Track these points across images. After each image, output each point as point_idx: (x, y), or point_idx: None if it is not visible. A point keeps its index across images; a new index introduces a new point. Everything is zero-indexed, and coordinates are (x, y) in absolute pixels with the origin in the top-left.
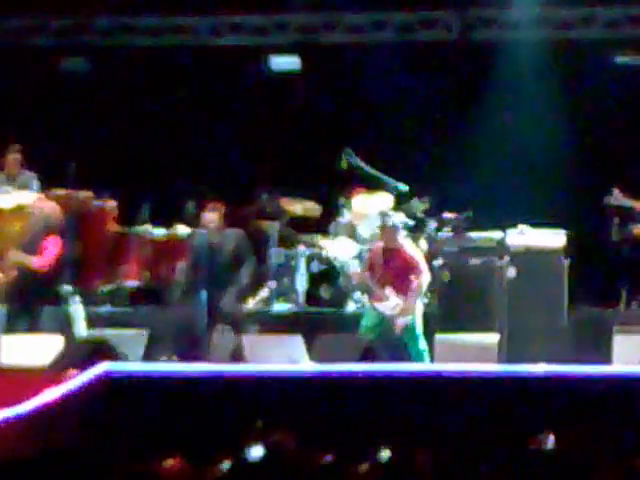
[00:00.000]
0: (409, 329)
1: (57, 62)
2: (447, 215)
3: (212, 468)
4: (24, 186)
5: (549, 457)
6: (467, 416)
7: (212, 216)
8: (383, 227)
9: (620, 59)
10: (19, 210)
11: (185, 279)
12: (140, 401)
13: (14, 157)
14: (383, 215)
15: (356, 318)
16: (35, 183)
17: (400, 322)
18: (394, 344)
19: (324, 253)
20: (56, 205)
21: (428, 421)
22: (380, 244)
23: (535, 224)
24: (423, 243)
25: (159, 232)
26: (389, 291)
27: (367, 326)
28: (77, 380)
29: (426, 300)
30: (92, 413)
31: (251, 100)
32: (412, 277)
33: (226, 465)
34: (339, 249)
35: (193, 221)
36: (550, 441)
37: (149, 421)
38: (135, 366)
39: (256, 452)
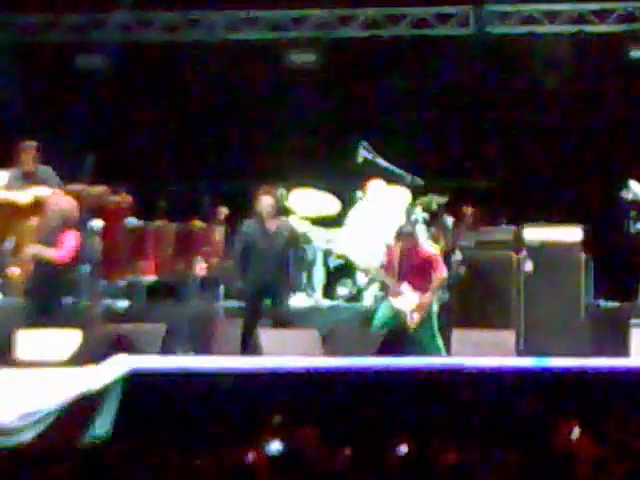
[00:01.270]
0: (425, 325)
1: (72, 58)
2: (464, 209)
3: (231, 461)
4: (40, 181)
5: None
6: (486, 410)
7: (268, 200)
8: (399, 234)
9: (634, 53)
10: (36, 205)
11: (234, 268)
12: (158, 395)
13: (30, 153)
14: (403, 210)
15: (372, 313)
16: (52, 178)
17: (415, 318)
18: (410, 340)
19: (340, 248)
20: (73, 200)
21: (446, 416)
22: (397, 241)
23: (551, 219)
24: (440, 238)
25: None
26: (405, 287)
27: (381, 321)
28: (98, 375)
29: (443, 295)
30: (116, 407)
31: (267, 94)
32: (429, 273)
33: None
34: (355, 243)
35: (209, 215)
36: (575, 433)
37: (167, 415)
38: (153, 360)
39: (275, 447)
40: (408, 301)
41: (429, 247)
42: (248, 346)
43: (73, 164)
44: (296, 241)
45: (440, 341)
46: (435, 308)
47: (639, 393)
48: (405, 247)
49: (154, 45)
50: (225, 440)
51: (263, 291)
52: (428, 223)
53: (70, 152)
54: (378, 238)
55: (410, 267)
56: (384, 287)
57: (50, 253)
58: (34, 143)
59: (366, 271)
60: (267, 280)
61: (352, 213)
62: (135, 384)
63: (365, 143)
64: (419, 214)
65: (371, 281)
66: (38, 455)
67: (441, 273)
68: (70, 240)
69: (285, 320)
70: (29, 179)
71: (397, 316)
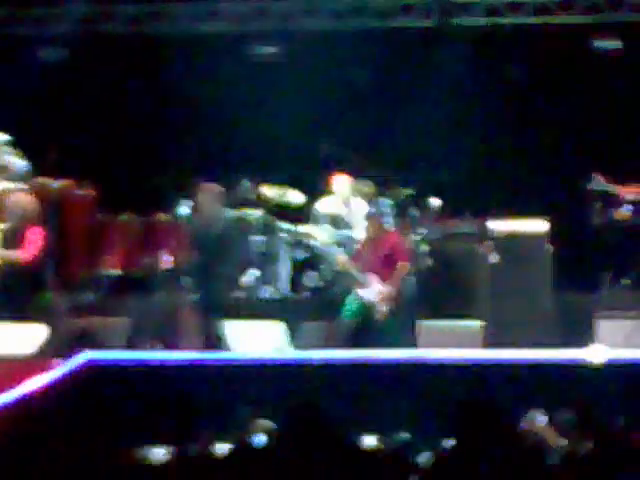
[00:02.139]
0: (392, 315)
1: (36, 51)
2: (429, 202)
3: (198, 455)
4: (8, 177)
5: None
6: (449, 402)
7: (205, 197)
8: (368, 217)
9: (598, 43)
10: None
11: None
12: (123, 389)
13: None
14: (368, 202)
15: (339, 305)
16: (23, 173)
17: (382, 308)
18: (376, 330)
19: (306, 240)
20: (32, 195)
21: (410, 408)
22: (366, 231)
23: (517, 210)
24: (406, 230)
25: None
26: (372, 277)
27: (349, 312)
28: (61, 368)
29: (410, 287)
30: (76, 401)
31: (232, 87)
32: (395, 262)
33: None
34: (321, 236)
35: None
36: (540, 420)
37: (132, 408)
38: (118, 354)
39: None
40: (376, 292)
41: (398, 236)
42: (208, 338)
43: (37, 157)
44: (235, 232)
45: (408, 332)
46: (402, 299)
47: (604, 383)
48: (372, 233)
49: (117, 37)
50: (188, 433)
51: (206, 283)
52: (394, 215)
53: (34, 145)
54: (345, 230)
55: (377, 257)
56: (352, 279)
57: (16, 255)
58: (7, 136)
59: (334, 263)
60: (208, 272)
61: (318, 206)
62: (96, 377)
63: (324, 144)
64: (385, 206)
65: (339, 273)
66: None
67: (405, 261)
68: (34, 238)
69: (219, 311)
70: None
71: (365, 307)
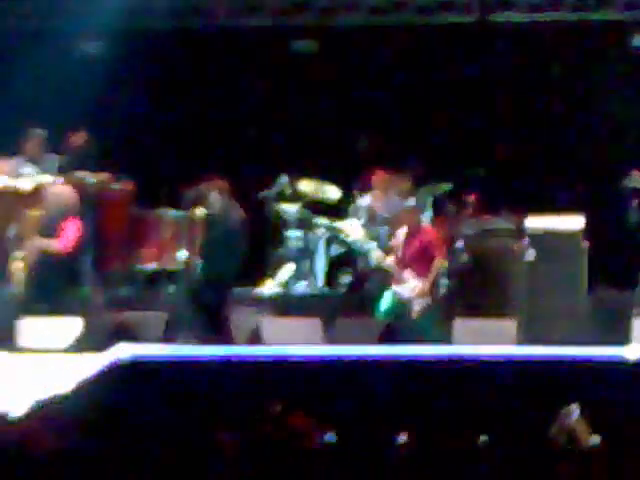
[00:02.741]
0: (429, 312)
1: (74, 44)
2: (466, 197)
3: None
4: (46, 169)
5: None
6: (488, 399)
7: (215, 193)
8: (406, 209)
9: (637, 40)
10: (38, 193)
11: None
12: (160, 383)
13: (36, 141)
14: (406, 197)
15: (375, 301)
16: (54, 167)
17: (418, 305)
18: (412, 327)
19: (343, 236)
20: (72, 188)
21: (448, 404)
22: (402, 226)
23: (554, 207)
24: (442, 225)
25: (177, 214)
26: (408, 273)
27: (384, 309)
28: (97, 363)
29: (446, 283)
30: (111, 395)
31: (270, 82)
32: (432, 258)
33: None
34: (357, 232)
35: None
36: (575, 414)
37: (169, 403)
38: (154, 349)
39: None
40: (411, 288)
41: (434, 231)
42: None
43: (76, 152)
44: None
45: (442, 329)
46: (438, 295)
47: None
48: (409, 228)
49: (156, 32)
50: (226, 427)
51: (216, 279)
52: (431, 211)
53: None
54: (382, 226)
55: (413, 252)
56: (387, 275)
57: (53, 244)
58: (40, 131)
59: (370, 258)
60: (218, 268)
61: (356, 201)
62: (136, 372)
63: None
64: (423, 201)
65: (374, 269)
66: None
67: (441, 257)
68: (71, 229)
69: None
70: (33, 167)
71: (400, 304)
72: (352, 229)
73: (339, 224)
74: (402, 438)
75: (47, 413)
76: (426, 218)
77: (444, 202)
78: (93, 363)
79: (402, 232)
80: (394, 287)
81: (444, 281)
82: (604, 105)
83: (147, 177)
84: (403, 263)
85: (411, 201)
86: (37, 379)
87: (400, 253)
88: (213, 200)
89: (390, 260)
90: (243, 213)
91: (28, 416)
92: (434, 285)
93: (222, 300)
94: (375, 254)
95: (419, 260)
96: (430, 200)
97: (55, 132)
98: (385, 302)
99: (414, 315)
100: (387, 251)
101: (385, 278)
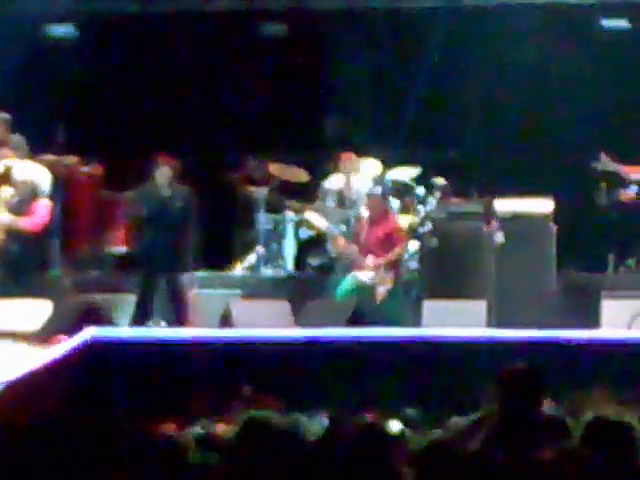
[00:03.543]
0: (391, 297)
1: (44, 28)
2: (435, 181)
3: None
4: (12, 152)
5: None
6: (456, 380)
7: (165, 171)
8: (370, 196)
9: (607, 22)
10: (7, 175)
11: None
12: (128, 366)
13: (2, 124)
14: (373, 180)
15: (336, 285)
16: (23, 149)
17: (380, 290)
18: (376, 311)
19: (311, 218)
20: (44, 170)
21: (415, 386)
22: (367, 213)
23: (522, 190)
24: (411, 209)
25: None
26: (370, 259)
27: (343, 292)
28: (65, 345)
29: (414, 266)
30: (80, 378)
31: (239, 66)
32: (393, 246)
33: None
34: (324, 215)
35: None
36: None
37: (137, 386)
38: (123, 331)
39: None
40: (372, 274)
41: (395, 217)
42: (141, 316)
43: (44, 134)
44: (191, 209)
45: (407, 313)
46: (405, 279)
47: (610, 364)
48: (373, 213)
49: (124, 15)
50: (192, 410)
51: (156, 260)
52: (400, 194)
53: (42, 122)
54: (351, 209)
55: (375, 239)
56: (349, 260)
57: (22, 222)
58: (6, 114)
59: (334, 243)
60: (160, 248)
61: (325, 184)
62: (105, 355)
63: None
64: (389, 186)
65: (340, 253)
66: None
67: (401, 247)
68: (41, 210)
69: (179, 290)
70: (1, 149)
71: (361, 288)
72: (315, 220)
73: (307, 207)
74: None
75: (16, 393)
76: (392, 203)
77: (413, 185)
78: (62, 346)
79: (367, 213)
80: (356, 272)
81: (413, 264)
82: (574, 88)
83: (115, 160)
84: (366, 249)
85: (377, 188)
86: (5, 361)
87: (363, 239)
88: (159, 176)
89: (353, 244)
90: (192, 194)
91: None
92: (395, 269)
93: (168, 281)
94: (337, 240)
95: (381, 247)
96: (398, 183)
97: (22, 116)
98: (344, 286)
99: (378, 298)
100: (354, 235)
101: (347, 263)
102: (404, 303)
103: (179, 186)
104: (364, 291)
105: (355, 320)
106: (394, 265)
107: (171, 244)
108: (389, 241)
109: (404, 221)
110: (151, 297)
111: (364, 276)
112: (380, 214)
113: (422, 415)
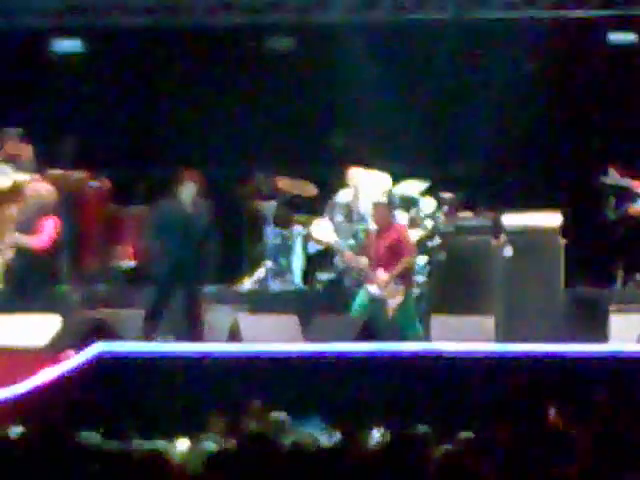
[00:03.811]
0: (402, 310)
1: (50, 43)
2: (444, 195)
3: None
4: (22, 167)
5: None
6: (466, 395)
7: (190, 186)
8: (376, 205)
9: (614, 37)
10: (16, 191)
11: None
12: (136, 381)
13: (14, 139)
14: (381, 194)
15: (352, 299)
16: (33, 164)
17: (391, 303)
18: (388, 326)
19: (320, 233)
20: (51, 186)
21: (426, 400)
22: (374, 224)
23: (531, 204)
24: (419, 222)
25: None
26: (380, 272)
27: (358, 307)
28: (74, 360)
29: (422, 280)
30: (88, 393)
31: (247, 79)
32: (401, 256)
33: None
34: (331, 230)
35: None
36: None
37: (145, 400)
38: (131, 346)
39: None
40: (382, 287)
41: (404, 228)
42: (152, 330)
43: (53, 149)
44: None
45: (419, 326)
46: (412, 293)
47: (617, 377)
48: (378, 225)
49: (130, 29)
50: (200, 425)
51: (178, 274)
52: (408, 208)
53: (51, 137)
54: (359, 223)
55: (382, 251)
56: (360, 273)
57: (30, 240)
58: (19, 129)
59: (343, 257)
60: (183, 263)
61: (333, 198)
62: (114, 369)
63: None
64: (396, 198)
65: (350, 267)
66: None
67: (409, 256)
68: (49, 227)
69: (197, 305)
70: (10, 163)
71: (373, 302)
72: (323, 232)
73: (315, 221)
74: (379, 433)
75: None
76: (399, 216)
77: (421, 199)
78: (70, 361)
79: (374, 230)
80: (367, 286)
81: (422, 278)
82: (582, 102)
83: (124, 175)
84: (375, 262)
85: (384, 197)
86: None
87: (372, 251)
88: (184, 190)
89: (364, 259)
90: (210, 208)
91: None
92: (405, 280)
93: (188, 296)
94: (345, 254)
95: (389, 258)
96: (406, 197)
97: (31, 131)
98: (359, 300)
99: (389, 313)
100: (363, 249)
101: (360, 277)
102: (414, 315)
103: (202, 201)
104: (376, 306)
105: (366, 335)
106: (404, 276)
107: (195, 259)
108: (397, 251)
109: (413, 235)
110: (161, 312)
111: (375, 290)
112: (385, 225)
113: (432, 430)
